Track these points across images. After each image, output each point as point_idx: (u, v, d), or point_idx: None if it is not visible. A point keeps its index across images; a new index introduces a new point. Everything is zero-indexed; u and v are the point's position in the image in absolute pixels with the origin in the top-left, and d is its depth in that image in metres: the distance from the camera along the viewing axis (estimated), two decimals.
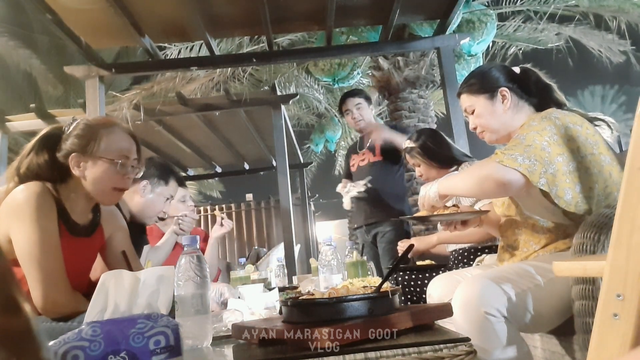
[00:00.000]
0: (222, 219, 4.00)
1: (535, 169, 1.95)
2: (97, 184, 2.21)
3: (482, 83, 2.45)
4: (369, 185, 4.64)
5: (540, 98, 2.40)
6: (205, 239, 4.18)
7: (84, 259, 2.35)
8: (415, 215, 2.60)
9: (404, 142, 3.70)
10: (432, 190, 2.39)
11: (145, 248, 3.45)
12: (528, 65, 2.51)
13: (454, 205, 2.56)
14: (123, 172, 2.25)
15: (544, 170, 1.96)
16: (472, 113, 2.48)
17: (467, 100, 2.50)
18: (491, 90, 2.41)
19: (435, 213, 2.47)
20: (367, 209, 4.78)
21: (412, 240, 3.84)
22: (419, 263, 3.77)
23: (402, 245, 3.93)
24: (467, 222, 2.59)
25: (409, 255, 3.71)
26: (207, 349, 1.55)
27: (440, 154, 3.50)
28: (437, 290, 2.63)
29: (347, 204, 4.68)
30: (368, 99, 5.04)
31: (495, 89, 2.40)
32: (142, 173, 2.41)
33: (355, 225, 5.02)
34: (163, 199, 3.49)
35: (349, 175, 5.11)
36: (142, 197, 3.37)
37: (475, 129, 2.50)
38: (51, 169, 2.20)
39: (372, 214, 4.77)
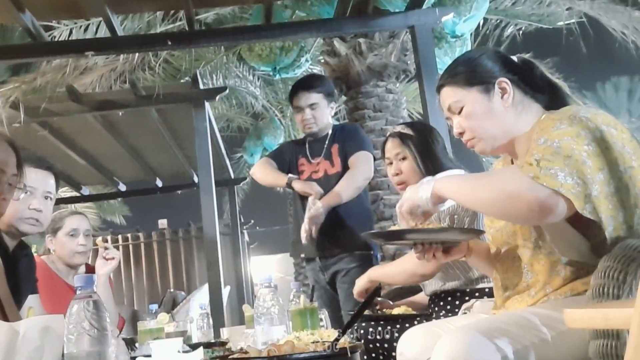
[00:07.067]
0: (106, 249, 3.94)
1: (580, 190, 1.89)
2: None
3: (472, 72, 2.37)
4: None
5: (550, 95, 2.37)
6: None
7: None
8: (387, 229, 2.49)
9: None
10: (426, 189, 2.22)
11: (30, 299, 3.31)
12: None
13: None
14: None
15: (588, 193, 1.91)
16: (459, 112, 2.36)
17: (451, 95, 2.38)
18: (486, 81, 2.33)
19: (415, 227, 2.33)
20: (322, 238, 4.35)
21: None
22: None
23: (358, 286, 3.73)
24: (451, 250, 2.47)
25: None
26: None
27: (436, 157, 3.43)
28: (411, 346, 2.59)
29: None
30: (330, 95, 4.78)
31: (492, 79, 2.32)
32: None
33: (306, 256, 4.74)
34: (20, 193, 3.29)
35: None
36: None
37: (461, 134, 2.38)
38: None
39: (329, 245, 4.44)
